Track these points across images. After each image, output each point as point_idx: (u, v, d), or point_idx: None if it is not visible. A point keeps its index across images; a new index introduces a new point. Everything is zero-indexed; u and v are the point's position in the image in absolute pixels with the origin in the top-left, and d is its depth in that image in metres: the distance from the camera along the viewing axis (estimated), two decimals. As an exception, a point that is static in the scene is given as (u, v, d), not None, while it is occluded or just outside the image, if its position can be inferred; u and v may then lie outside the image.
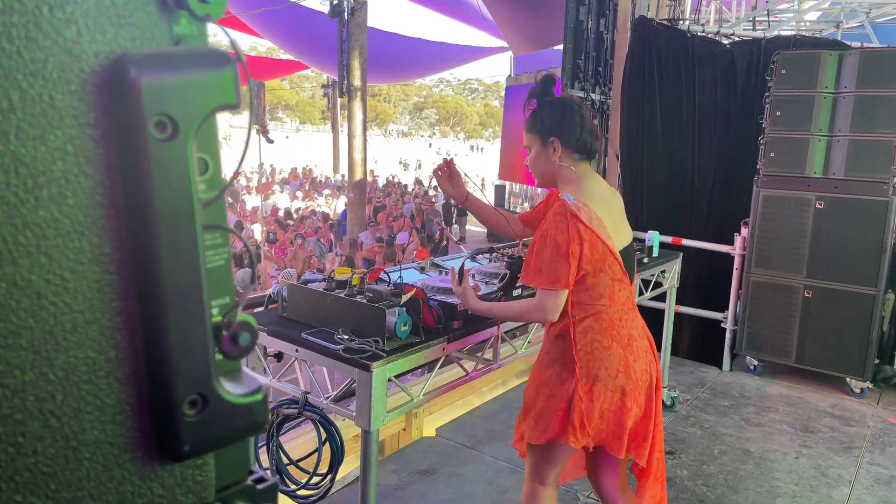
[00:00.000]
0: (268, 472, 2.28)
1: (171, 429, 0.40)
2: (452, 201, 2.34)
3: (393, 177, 24.94)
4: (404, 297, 2.26)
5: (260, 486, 0.47)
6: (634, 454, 1.96)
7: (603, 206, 1.89)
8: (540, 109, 1.97)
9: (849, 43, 5.11)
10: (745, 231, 4.48)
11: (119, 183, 0.38)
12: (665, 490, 2.14)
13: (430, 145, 62.66)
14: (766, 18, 7.74)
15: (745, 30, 6.91)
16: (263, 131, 8.39)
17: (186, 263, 0.39)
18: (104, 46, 0.37)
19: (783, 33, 7.81)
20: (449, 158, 2.35)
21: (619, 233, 1.95)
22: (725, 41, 5.45)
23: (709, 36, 5.34)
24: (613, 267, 1.87)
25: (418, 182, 23.47)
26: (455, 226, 18.91)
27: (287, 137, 53.79)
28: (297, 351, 2.25)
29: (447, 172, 2.34)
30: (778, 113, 4.26)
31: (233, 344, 0.42)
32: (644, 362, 1.94)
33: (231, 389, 0.43)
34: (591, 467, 2.18)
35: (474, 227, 19.38)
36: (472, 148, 61.79)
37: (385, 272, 2.57)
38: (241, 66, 0.41)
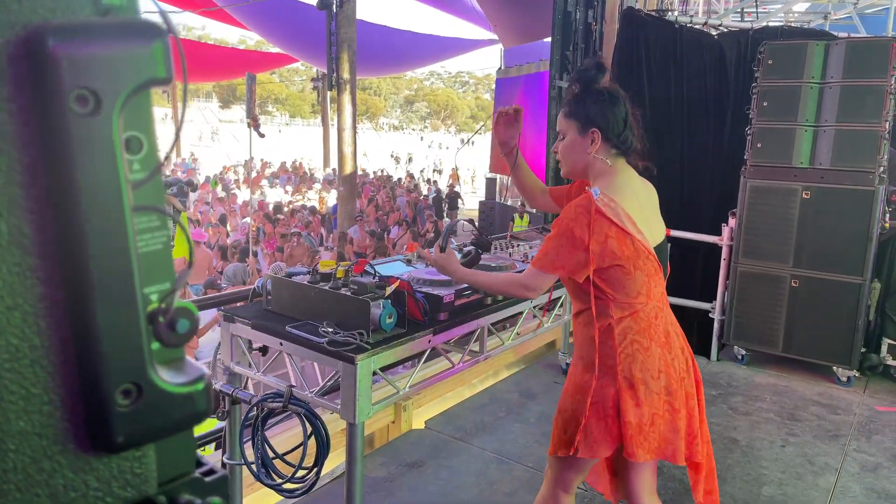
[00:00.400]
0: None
1: (103, 420, 0.39)
2: (500, 150, 2.21)
3: (382, 171, 24.84)
4: (389, 290, 2.25)
5: (208, 479, 0.46)
6: (689, 452, 1.88)
7: (634, 202, 1.82)
8: (585, 97, 1.86)
9: (835, 34, 5.11)
10: (732, 221, 4.49)
11: (40, 161, 0.36)
12: (716, 481, 2.06)
13: (422, 139, 62.49)
14: (754, 9, 7.76)
15: (733, 20, 6.92)
16: (255, 125, 8.31)
17: (114, 247, 0.37)
18: (20, 16, 0.35)
19: (771, 24, 7.82)
20: (520, 108, 2.18)
21: (652, 229, 1.87)
22: (713, 32, 5.44)
23: (696, 27, 5.33)
24: (648, 263, 1.79)
25: (409, 175, 23.42)
26: (446, 219, 18.91)
27: (280, 131, 53.53)
28: (281, 344, 2.24)
29: (512, 117, 2.18)
30: (765, 103, 4.26)
31: (170, 331, 0.41)
32: (682, 359, 1.87)
33: (169, 378, 0.41)
34: (620, 472, 2.08)
35: (467, 220, 19.37)
36: (462, 141, 61.66)
37: (370, 265, 2.56)
38: (173, 39, 0.39)
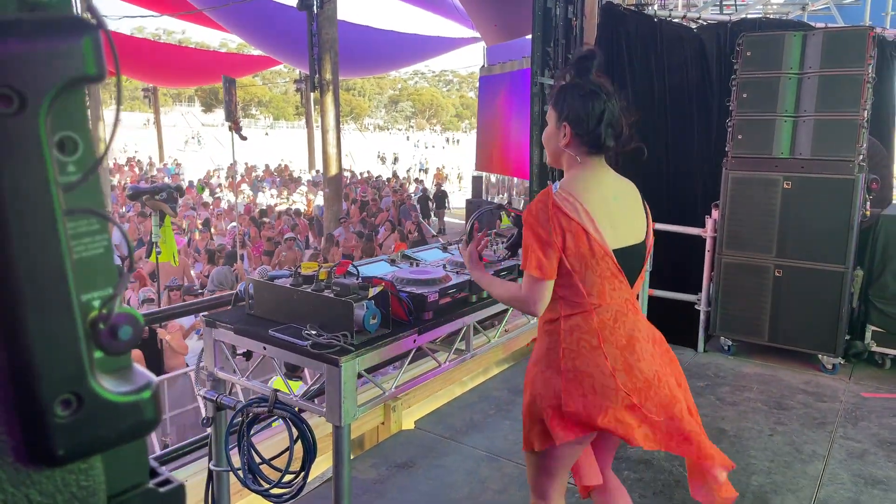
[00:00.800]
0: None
1: (41, 432, 0.37)
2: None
3: (367, 172, 24.78)
4: (372, 290, 2.23)
5: (163, 490, 0.44)
6: (682, 453, 1.85)
7: (598, 201, 1.77)
8: (566, 89, 1.82)
9: (813, 24, 5.16)
10: (715, 213, 4.51)
11: (-38, 163, 0.35)
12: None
13: (408, 138, 62.41)
14: (732, 2, 7.81)
15: (712, 13, 6.95)
16: (236, 127, 8.22)
17: (46, 252, 0.36)
18: (-63, 13, 0.34)
19: (750, 16, 7.87)
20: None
21: (619, 231, 1.80)
22: (693, 25, 5.47)
23: (675, 20, 5.35)
24: (604, 264, 1.74)
25: (395, 176, 23.36)
26: (434, 218, 18.88)
27: (266, 134, 53.17)
28: (264, 348, 2.21)
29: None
30: (744, 95, 4.28)
31: (112, 338, 0.39)
32: (652, 363, 1.81)
33: (112, 387, 0.40)
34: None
35: (453, 219, 19.38)
36: (447, 140, 61.73)
37: (353, 265, 2.54)
38: (105, 35, 0.38)
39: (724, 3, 7.77)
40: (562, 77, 1.90)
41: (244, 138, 8.08)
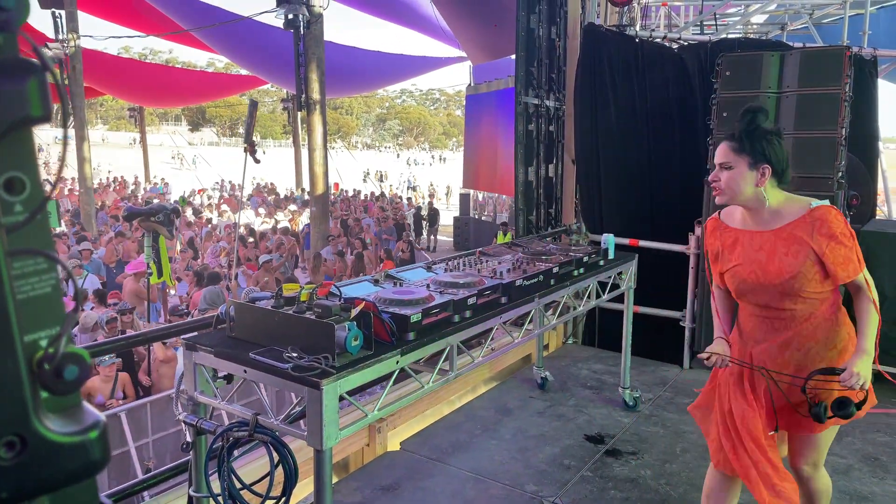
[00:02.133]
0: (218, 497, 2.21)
1: None
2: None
3: (353, 190, 24.79)
4: (354, 311, 2.22)
5: (116, 529, 0.43)
6: None
7: None
8: (754, 134, 2.13)
9: (792, 44, 5.25)
10: (698, 230, 4.55)
11: None
12: None
13: (398, 156, 62.58)
14: (713, 22, 7.95)
15: (693, 33, 7.07)
16: (251, 150, 8.22)
17: None
18: None
19: (731, 36, 8.01)
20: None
21: None
22: (674, 45, 5.55)
23: (656, 40, 5.43)
24: None
25: (380, 195, 23.31)
26: (423, 236, 18.90)
27: (264, 152, 52.96)
28: (245, 371, 2.19)
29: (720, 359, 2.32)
30: (724, 114, 4.34)
31: (57, 378, 0.39)
32: None
33: (58, 428, 0.39)
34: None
35: (444, 237, 19.40)
36: (433, 158, 62.00)
37: (336, 286, 2.53)
38: (52, 76, 0.38)
39: (704, 23, 7.92)
40: (739, 124, 2.18)
41: (258, 161, 8.09)
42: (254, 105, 8.04)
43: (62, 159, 0.39)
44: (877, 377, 2.17)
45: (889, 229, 4.49)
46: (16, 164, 0.38)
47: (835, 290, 2.17)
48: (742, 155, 2.12)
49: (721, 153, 2.17)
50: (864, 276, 2.11)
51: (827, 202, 2.12)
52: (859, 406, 2.06)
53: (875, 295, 2.13)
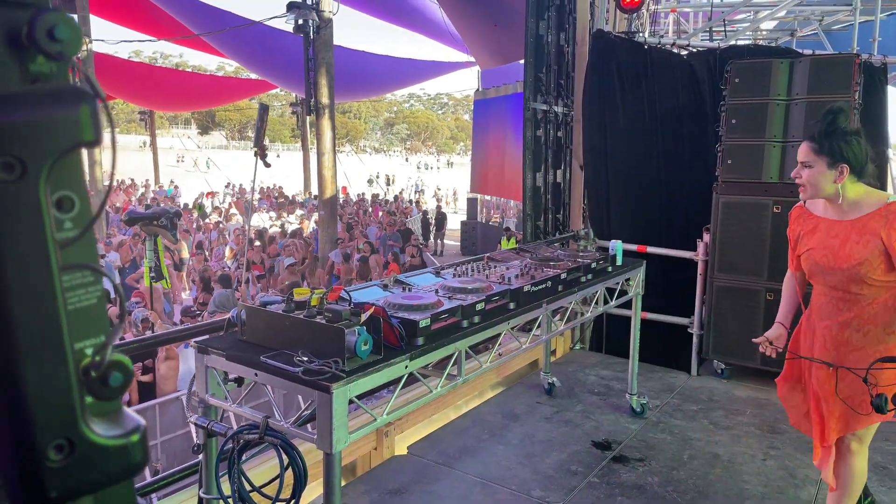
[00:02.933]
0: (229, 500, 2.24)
1: (35, 476, 0.39)
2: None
3: (359, 195, 24.86)
4: (364, 316, 2.24)
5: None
6: None
7: None
8: (833, 135, 2.27)
9: (801, 51, 5.25)
10: (707, 237, 4.56)
11: (-34, 226, 0.37)
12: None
13: (407, 160, 62.69)
14: (722, 28, 7.95)
15: (702, 40, 7.08)
16: (262, 154, 8.26)
17: (42, 307, 0.38)
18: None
19: (740, 42, 8.01)
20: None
21: None
22: (683, 52, 5.56)
23: (665, 47, 5.44)
24: None
25: (383, 200, 23.31)
26: (430, 240, 18.92)
27: (278, 156, 53.12)
28: (256, 375, 2.22)
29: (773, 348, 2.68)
30: (733, 121, 4.35)
31: (103, 385, 0.41)
32: None
33: (102, 432, 0.42)
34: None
35: (451, 241, 19.42)
36: (439, 162, 62.10)
37: (346, 291, 2.55)
38: (101, 102, 0.40)
39: (713, 29, 7.92)
40: (819, 125, 2.32)
41: (268, 165, 8.14)
42: (264, 109, 8.09)
43: (112, 173, 0.41)
44: None
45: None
46: (67, 183, 0.40)
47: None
48: (821, 155, 2.27)
49: (802, 152, 2.34)
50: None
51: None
52: None
53: None
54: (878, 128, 5.32)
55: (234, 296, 8.58)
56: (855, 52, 6.11)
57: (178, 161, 40.19)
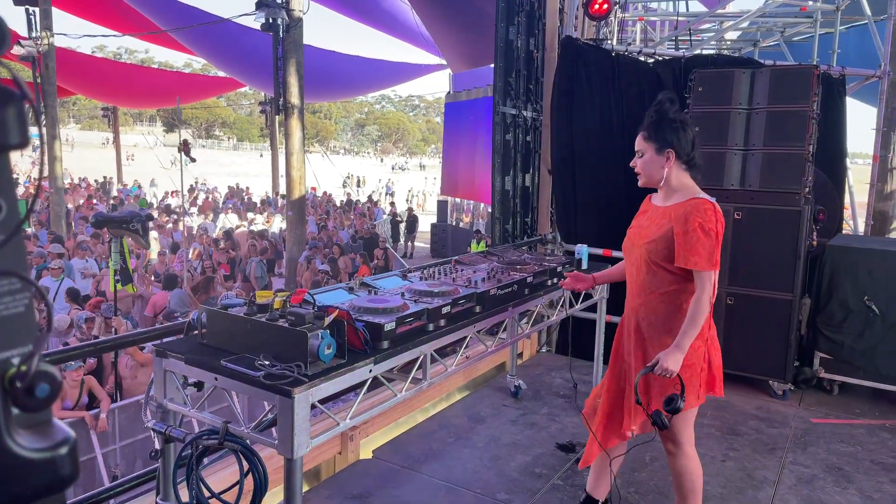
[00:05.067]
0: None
1: None
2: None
3: (328, 195, 24.65)
4: (327, 319, 2.22)
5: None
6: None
7: None
8: (662, 123, 2.38)
9: (763, 61, 5.38)
10: (671, 242, 4.62)
11: None
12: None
13: (382, 160, 62.39)
14: (688, 38, 8.10)
15: (668, 48, 7.20)
16: (186, 149, 8.11)
17: None
18: None
19: (705, 51, 8.17)
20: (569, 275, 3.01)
21: None
22: (649, 60, 5.65)
23: (632, 55, 5.52)
24: None
25: (346, 203, 23.11)
26: (400, 242, 18.87)
27: (262, 156, 52.04)
28: (216, 379, 2.18)
29: (573, 282, 2.96)
30: (697, 128, 4.42)
31: (29, 396, 0.40)
32: None
33: (28, 444, 0.40)
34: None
35: (421, 243, 19.39)
36: (417, 165, 62.03)
37: (309, 294, 2.53)
38: (29, 104, 0.39)
39: (679, 38, 8.07)
40: (651, 115, 2.43)
41: (193, 160, 7.98)
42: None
43: (40, 172, 0.40)
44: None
45: (854, 244, 4.62)
46: (-8, 188, 0.38)
47: (689, 282, 2.33)
48: (650, 142, 2.41)
49: (637, 142, 2.47)
50: (707, 278, 2.27)
51: (713, 199, 2.38)
52: (683, 397, 2.25)
53: (706, 301, 2.28)
54: (836, 138, 5.48)
55: (185, 296, 8.43)
56: (814, 63, 6.29)
57: (127, 159, 38.52)
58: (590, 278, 2.95)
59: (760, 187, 4.27)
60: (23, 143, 0.38)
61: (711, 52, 8.75)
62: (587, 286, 2.97)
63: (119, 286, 6.11)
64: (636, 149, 2.47)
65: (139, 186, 25.32)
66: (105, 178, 26.30)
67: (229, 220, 16.72)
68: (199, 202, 21.34)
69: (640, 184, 2.52)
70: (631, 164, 2.51)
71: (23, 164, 26.89)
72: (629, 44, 6.58)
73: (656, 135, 2.39)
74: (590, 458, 2.70)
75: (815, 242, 4.49)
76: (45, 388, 0.40)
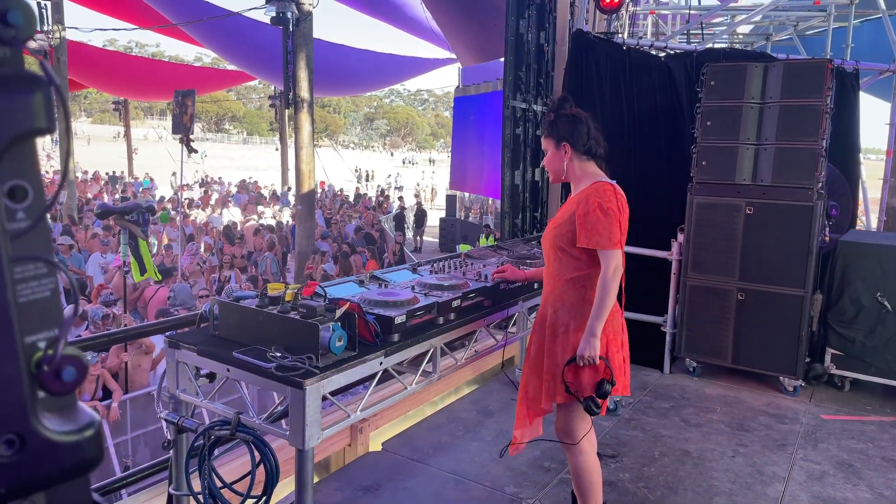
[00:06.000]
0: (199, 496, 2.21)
1: None
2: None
3: (341, 190, 24.68)
4: (338, 312, 2.23)
5: (106, 525, 0.45)
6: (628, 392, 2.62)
7: None
8: (556, 121, 2.49)
9: (776, 55, 5.33)
10: (681, 237, 4.61)
11: None
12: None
13: (392, 154, 62.32)
14: (700, 31, 8.03)
15: (679, 42, 7.15)
16: (187, 142, 8.06)
17: None
18: None
19: (717, 45, 8.11)
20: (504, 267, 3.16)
21: None
22: (661, 54, 5.61)
23: (643, 49, 5.49)
24: None
25: (361, 195, 23.14)
26: (409, 237, 18.88)
27: (276, 149, 52.00)
28: (228, 370, 2.20)
29: (504, 274, 3.08)
30: (708, 123, 4.41)
31: (56, 379, 0.40)
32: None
33: (55, 427, 0.41)
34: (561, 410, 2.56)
35: (430, 238, 19.40)
36: (426, 160, 61.97)
37: (321, 287, 2.54)
38: (55, 89, 0.39)
39: (691, 32, 8.00)
40: (548, 116, 2.54)
41: (194, 151, 7.95)
42: (186, 94, 7.79)
43: (64, 162, 0.40)
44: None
45: (867, 240, 4.58)
46: (20, 172, 0.39)
47: (593, 266, 2.39)
48: (549, 139, 2.52)
49: (542, 143, 2.58)
50: (611, 256, 2.32)
51: (613, 182, 2.46)
52: (612, 382, 2.36)
53: (611, 280, 2.32)
54: (850, 133, 5.43)
55: (189, 290, 8.46)
56: (828, 57, 6.22)
57: (133, 152, 38.24)
58: (521, 274, 3.08)
59: (773, 182, 4.24)
60: (49, 129, 0.39)
61: (723, 45, 8.68)
62: (514, 279, 3.07)
63: (136, 278, 6.15)
64: (543, 148, 2.59)
65: (151, 180, 25.42)
66: (114, 171, 26.44)
67: (232, 213, 16.74)
68: (213, 200, 21.38)
69: (550, 180, 2.66)
70: (543, 163, 2.62)
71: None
72: (640, 37, 6.52)
73: (552, 132, 2.50)
74: (520, 445, 2.80)
75: (827, 238, 4.45)
76: (72, 371, 0.41)
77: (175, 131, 7.92)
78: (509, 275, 3.08)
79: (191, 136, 7.88)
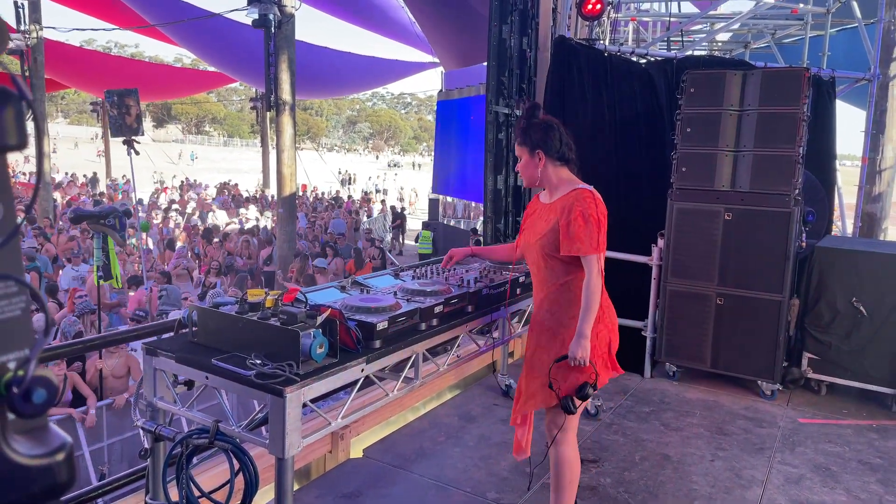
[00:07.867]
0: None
1: None
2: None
3: (321, 193, 24.55)
4: (319, 318, 2.21)
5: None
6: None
7: None
8: (528, 129, 2.55)
9: (754, 63, 5.40)
10: (661, 242, 4.65)
11: None
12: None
13: (377, 157, 62.20)
14: (680, 38, 8.13)
15: (660, 49, 7.23)
16: (130, 144, 7.72)
17: None
18: None
19: (697, 53, 8.21)
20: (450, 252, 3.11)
21: None
22: (642, 61, 5.66)
23: (624, 55, 5.53)
24: None
25: (338, 198, 23.03)
26: (388, 239, 18.83)
27: (259, 153, 51.56)
28: (207, 378, 2.17)
29: (452, 261, 3.08)
30: (688, 129, 4.45)
31: (26, 402, 0.39)
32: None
33: (25, 450, 0.39)
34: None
35: (411, 241, 19.36)
36: (410, 163, 61.91)
37: (301, 293, 2.52)
38: (27, 104, 0.38)
39: (671, 39, 8.10)
40: (520, 123, 2.61)
41: (136, 153, 7.66)
42: (128, 93, 7.43)
43: (38, 174, 0.39)
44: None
45: (843, 245, 4.66)
46: (-11, 191, 0.38)
47: (581, 270, 2.45)
48: (523, 146, 2.58)
49: (515, 150, 2.64)
50: (593, 261, 2.40)
51: (591, 188, 2.52)
52: (594, 386, 2.43)
53: (595, 283, 2.40)
54: (826, 140, 5.52)
55: (180, 293, 8.35)
56: (805, 65, 6.33)
57: (97, 155, 37.14)
58: (466, 250, 3.12)
59: (751, 188, 4.29)
60: (21, 145, 0.37)
61: (703, 53, 8.79)
62: (459, 257, 3.08)
63: (102, 281, 6.02)
64: (517, 155, 2.64)
65: (127, 181, 25.07)
66: (91, 174, 26.05)
67: (217, 216, 16.59)
68: (192, 205, 21.14)
69: (524, 185, 2.75)
70: (516, 169, 2.72)
71: (12, 155, 26.52)
72: (622, 44, 6.60)
73: (525, 140, 2.56)
74: (524, 446, 2.85)
75: (804, 244, 4.52)
76: (42, 393, 0.39)
77: (116, 134, 7.45)
78: (457, 257, 3.09)
79: (135, 139, 7.45)
